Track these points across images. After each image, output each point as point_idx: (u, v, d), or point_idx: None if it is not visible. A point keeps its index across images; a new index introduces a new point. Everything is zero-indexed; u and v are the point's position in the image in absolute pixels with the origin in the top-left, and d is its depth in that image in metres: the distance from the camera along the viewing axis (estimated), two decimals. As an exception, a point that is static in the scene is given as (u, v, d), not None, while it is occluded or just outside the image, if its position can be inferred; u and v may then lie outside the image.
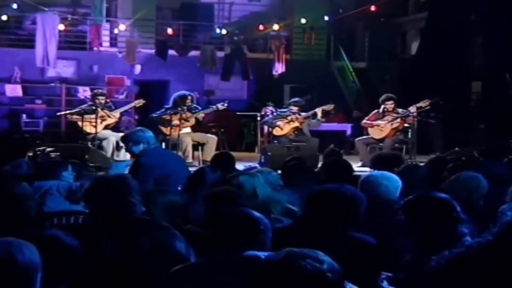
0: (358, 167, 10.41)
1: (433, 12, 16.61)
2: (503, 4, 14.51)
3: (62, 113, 13.53)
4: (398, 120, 11.15)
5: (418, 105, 11.11)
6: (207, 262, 2.98)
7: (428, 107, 11.36)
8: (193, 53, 17.22)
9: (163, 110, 11.16)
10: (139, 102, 11.70)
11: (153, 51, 16.95)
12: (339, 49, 19.18)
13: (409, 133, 10.99)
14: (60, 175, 5.65)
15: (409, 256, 3.49)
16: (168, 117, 10.89)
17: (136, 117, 14.64)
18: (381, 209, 4.30)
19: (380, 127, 11.29)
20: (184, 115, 10.93)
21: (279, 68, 17.34)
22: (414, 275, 3.08)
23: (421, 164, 7.33)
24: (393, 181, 4.67)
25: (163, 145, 11.01)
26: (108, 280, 2.90)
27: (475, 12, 15.87)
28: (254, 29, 18.38)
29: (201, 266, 2.98)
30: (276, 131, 12.07)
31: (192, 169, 9.53)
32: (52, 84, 16.54)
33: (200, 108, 11.51)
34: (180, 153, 10.72)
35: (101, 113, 10.91)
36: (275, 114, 12.66)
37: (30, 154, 8.87)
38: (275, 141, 12.03)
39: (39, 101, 16.37)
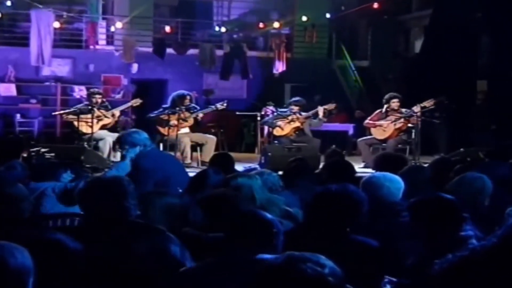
0: (360, 168, 10.42)
1: (437, 9, 16.61)
2: (509, 1, 14.50)
3: (57, 112, 13.51)
4: (402, 120, 11.15)
5: (422, 104, 11.10)
6: (218, 264, 3.00)
7: (432, 107, 11.36)
8: (192, 51, 17.22)
9: (161, 109, 11.16)
10: (136, 102, 11.69)
11: (150, 49, 16.95)
12: (341, 48, 19.18)
13: (413, 134, 10.98)
14: (60, 177, 5.66)
15: (412, 259, 3.50)
16: (166, 117, 10.89)
17: (133, 117, 14.64)
18: (383, 210, 4.31)
19: (383, 127, 11.29)
20: (182, 115, 10.93)
21: (279, 67, 17.35)
22: (418, 280, 3.09)
23: (425, 165, 7.34)
24: (395, 182, 4.67)
25: (161, 145, 11.02)
26: (103, 283, 2.90)
27: (481, 10, 15.86)
28: (254, 26, 18.39)
29: (212, 267, 3.00)
30: (277, 131, 12.08)
31: (190, 170, 9.57)
32: (47, 83, 16.54)
33: (198, 107, 11.51)
34: (178, 154, 10.73)
35: (97, 113, 10.91)
36: (275, 114, 12.66)
37: (25, 155, 8.85)
38: (276, 142, 12.04)
39: (33, 101, 16.37)
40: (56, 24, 15.77)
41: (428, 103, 11.18)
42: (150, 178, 6.11)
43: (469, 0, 15.42)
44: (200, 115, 11.25)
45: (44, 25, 15.29)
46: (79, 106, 11.43)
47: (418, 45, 18.87)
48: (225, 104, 11.68)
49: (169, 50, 16.93)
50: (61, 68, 16.74)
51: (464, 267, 2.30)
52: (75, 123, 10.98)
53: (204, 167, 8.59)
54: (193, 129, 11.24)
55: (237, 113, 15.95)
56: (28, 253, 2.28)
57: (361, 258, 3.34)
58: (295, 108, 11.94)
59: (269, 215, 3.18)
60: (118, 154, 10.25)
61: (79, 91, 16.14)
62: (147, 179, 6.06)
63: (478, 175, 5.03)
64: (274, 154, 10.43)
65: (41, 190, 5.32)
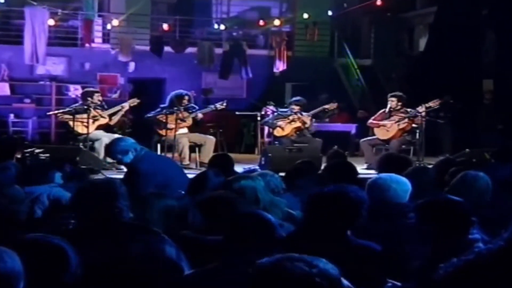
0: (363, 169, 10.43)
1: (442, 6, 16.61)
2: (516, -2, 14.52)
3: (52, 112, 13.50)
4: (406, 120, 11.15)
5: (427, 105, 11.10)
6: (220, 268, 3.01)
7: (437, 107, 11.37)
8: (190, 49, 17.22)
9: (158, 109, 11.17)
10: (134, 102, 11.66)
11: (147, 47, 16.95)
12: (343, 46, 19.18)
13: (417, 134, 10.99)
14: (54, 178, 5.66)
15: (417, 263, 3.50)
16: (163, 119, 10.89)
17: (130, 116, 14.62)
18: (390, 213, 4.30)
19: (387, 128, 11.29)
20: (180, 115, 10.93)
21: (280, 66, 17.35)
22: (423, 284, 3.09)
23: (430, 166, 7.34)
24: (402, 184, 4.65)
25: (158, 146, 11.03)
26: (97, 285, 2.91)
27: (486, 6, 15.86)
28: (254, 24, 18.40)
29: (214, 272, 3.01)
30: (277, 132, 12.09)
31: (189, 171, 9.56)
32: (42, 82, 16.54)
33: (197, 107, 11.51)
34: (176, 155, 10.74)
35: (93, 112, 10.90)
36: (275, 114, 12.67)
37: (18, 156, 8.86)
38: (276, 142, 12.05)
39: (27, 100, 16.37)
40: (51, 22, 15.76)
41: (434, 103, 11.18)
42: (150, 182, 6.12)
43: (474, -3, 15.45)
44: (200, 115, 11.25)
45: (38, 23, 15.28)
46: (75, 105, 11.42)
47: (422, 43, 18.88)
48: (224, 104, 11.68)
49: (167, 48, 16.93)
50: (56, 67, 16.74)
51: (469, 271, 2.30)
52: (71, 123, 10.98)
53: (203, 169, 8.61)
54: (191, 129, 11.24)
55: (237, 113, 15.95)
56: (17, 257, 2.28)
57: (362, 261, 3.34)
58: (296, 108, 11.95)
59: (268, 215, 3.20)
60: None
61: (75, 91, 16.13)
62: (147, 182, 6.07)
63: (481, 174, 5.03)
64: (275, 155, 10.43)
65: (35, 195, 5.30)
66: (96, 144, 10.67)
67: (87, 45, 16.96)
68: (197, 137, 11.14)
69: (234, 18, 19.27)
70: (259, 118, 14.07)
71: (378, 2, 17.31)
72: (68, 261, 2.66)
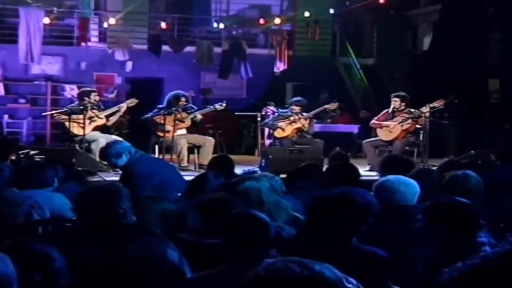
0: (365, 171, 10.43)
1: (446, 4, 16.61)
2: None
3: (48, 113, 13.52)
4: (409, 121, 11.14)
5: (431, 105, 11.09)
6: (222, 272, 3.02)
7: (442, 107, 11.37)
8: (189, 48, 17.23)
9: (156, 110, 11.15)
10: (132, 102, 11.61)
11: (145, 46, 16.95)
12: (345, 45, 19.19)
13: (421, 135, 10.98)
14: (53, 181, 5.63)
15: (422, 266, 3.49)
16: (161, 121, 10.88)
17: (128, 117, 14.61)
18: (397, 216, 4.28)
19: (390, 128, 11.29)
20: (179, 116, 10.93)
21: (281, 65, 17.36)
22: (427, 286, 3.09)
23: (434, 168, 7.34)
24: (411, 186, 4.63)
25: (156, 147, 11.03)
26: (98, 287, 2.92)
27: (492, 5, 15.87)
28: (254, 22, 18.40)
29: (219, 275, 3.01)
30: (278, 133, 12.09)
31: (187, 173, 9.56)
32: (37, 82, 16.54)
33: (196, 108, 11.50)
34: (174, 156, 10.73)
35: (90, 113, 10.89)
36: (276, 114, 12.67)
37: (13, 157, 8.87)
38: (277, 144, 12.05)
39: (22, 101, 16.37)
40: (46, 20, 15.78)
41: (438, 103, 11.17)
42: (146, 184, 6.13)
43: (480, -6, 15.46)
44: (199, 116, 11.23)
45: (33, 21, 15.29)
46: (70, 106, 11.41)
47: (426, 42, 18.88)
48: (223, 104, 11.68)
49: (165, 48, 16.93)
50: (51, 66, 16.75)
51: (475, 276, 2.29)
52: (66, 124, 10.97)
53: (202, 170, 8.61)
54: (190, 130, 11.24)
55: (236, 113, 15.95)
56: (10, 261, 2.28)
57: (367, 268, 3.32)
58: (296, 109, 11.95)
59: (261, 215, 3.19)
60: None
61: (70, 91, 16.14)
62: (143, 185, 6.08)
63: (471, 174, 5.03)
64: (275, 157, 10.43)
65: (34, 200, 5.25)
66: (93, 145, 10.67)
67: (83, 44, 16.96)
68: (196, 138, 11.14)
69: (233, 16, 19.28)
70: (259, 119, 14.06)
71: (381, 0, 17.32)
72: (51, 266, 2.67)
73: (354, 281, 1.95)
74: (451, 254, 3.14)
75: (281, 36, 17.61)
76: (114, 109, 11.32)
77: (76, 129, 10.83)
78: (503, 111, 15.13)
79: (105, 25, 17.18)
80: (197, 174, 7.11)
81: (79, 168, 8.82)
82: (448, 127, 13.15)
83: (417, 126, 11.16)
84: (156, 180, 6.26)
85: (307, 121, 11.92)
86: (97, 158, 10.37)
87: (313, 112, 12.14)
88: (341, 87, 18.21)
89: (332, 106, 12.80)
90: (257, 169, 9.15)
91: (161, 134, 10.93)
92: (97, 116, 10.99)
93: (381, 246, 3.64)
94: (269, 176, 5.49)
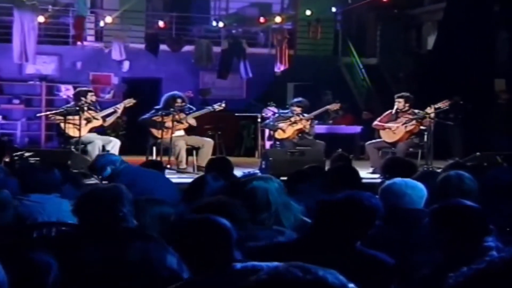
0: (368, 174, 10.44)
1: (451, 2, 16.62)
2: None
3: (43, 114, 13.52)
4: (413, 122, 11.14)
5: (436, 105, 11.09)
6: (205, 280, 3.01)
7: (447, 108, 11.37)
8: (187, 48, 17.24)
9: (153, 111, 11.13)
10: (130, 102, 11.57)
11: (143, 46, 16.96)
12: (347, 44, 19.20)
13: (425, 136, 10.98)
14: (63, 188, 5.60)
15: (427, 270, 3.49)
16: (159, 119, 10.88)
17: (124, 118, 14.61)
18: (404, 220, 4.28)
19: (393, 130, 11.29)
20: (177, 116, 10.93)
21: (281, 65, 17.36)
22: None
23: (438, 170, 7.34)
24: (418, 190, 4.61)
25: (154, 149, 11.02)
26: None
27: (498, 2, 15.88)
28: (254, 21, 18.40)
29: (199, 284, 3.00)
30: (279, 134, 12.08)
31: (186, 175, 9.56)
32: (31, 82, 16.55)
33: (194, 108, 11.50)
34: (172, 158, 10.73)
35: (86, 114, 10.88)
36: (276, 115, 12.67)
37: (7, 159, 8.87)
38: (278, 145, 12.05)
39: (16, 101, 16.38)
40: (41, 19, 15.77)
41: (443, 104, 11.17)
42: None
43: (485, -8, 15.46)
44: (191, 121, 11.17)
45: (27, 20, 15.29)
46: (66, 106, 11.41)
47: (430, 41, 18.90)
48: (223, 105, 11.68)
49: (163, 47, 16.94)
50: (46, 66, 16.76)
51: (481, 281, 2.29)
52: (62, 125, 10.96)
53: (201, 173, 8.61)
54: (188, 131, 11.24)
55: (236, 114, 15.96)
56: (0, 267, 2.29)
57: (370, 273, 3.32)
58: (298, 109, 11.94)
59: (220, 219, 3.16)
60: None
61: (66, 91, 16.15)
62: None
63: (465, 175, 5.03)
64: (276, 159, 10.44)
65: (43, 206, 5.20)
66: (89, 147, 10.66)
67: (79, 43, 16.94)
68: (195, 140, 11.14)
69: (233, 15, 19.29)
70: (259, 120, 14.06)
71: (384, -2, 17.33)
72: (47, 277, 2.68)
73: None
74: (457, 258, 3.13)
75: (282, 35, 17.61)
76: (111, 110, 11.30)
77: (71, 131, 10.82)
78: (510, 112, 15.14)
79: (102, 23, 17.18)
80: (196, 176, 7.12)
81: (75, 171, 8.82)
82: (453, 128, 13.14)
83: (422, 127, 11.15)
84: (137, 190, 6.27)
85: (308, 122, 11.91)
86: (94, 160, 10.37)
87: (314, 113, 12.14)
88: (343, 88, 18.22)
89: (334, 106, 12.80)
90: (257, 171, 9.13)
91: (158, 135, 10.92)
92: (93, 117, 10.99)
93: (387, 250, 3.64)
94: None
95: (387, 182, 4.76)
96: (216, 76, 17.40)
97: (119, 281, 2.91)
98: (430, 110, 11.04)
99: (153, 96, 15.94)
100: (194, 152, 11.01)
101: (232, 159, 7.77)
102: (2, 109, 16.30)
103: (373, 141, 11.80)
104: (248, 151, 15.82)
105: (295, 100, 12.40)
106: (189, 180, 6.44)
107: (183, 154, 10.84)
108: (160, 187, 6.48)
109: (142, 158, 10.14)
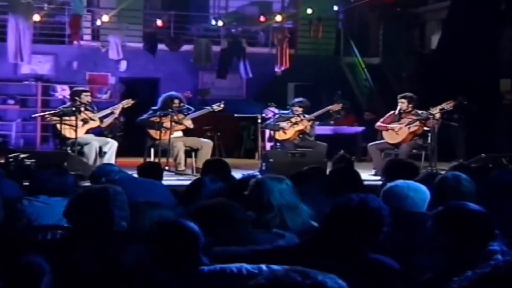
0: (371, 176, 10.44)
1: (456, 0, 16.63)
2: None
3: (38, 114, 13.52)
4: (417, 123, 11.14)
5: (440, 106, 11.08)
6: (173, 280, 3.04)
7: (451, 109, 11.37)
8: (186, 47, 17.25)
9: (150, 112, 11.11)
10: (128, 102, 11.54)
11: (140, 45, 16.98)
12: (349, 43, 19.21)
13: (429, 138, 10.97)
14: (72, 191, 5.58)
15: (431, 274, 3.48)
16: (157, 120, 10.87)
17: (122, 119, 14.62)
18: (406, 224, 4.27)
19: (396, 131, 11.29)
20: (175, 117, 10.92)
21: (282, 65, 17.37)
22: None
23: (442, 172, 7.34)
24: (421, 192, 4.61)
25: (152, 151, 11.02)
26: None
27: (504, 1, 15.88)
28: (254, 20, 18.41)
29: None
30: (279, 135, 12.08)
31: (184, 177, 9.55)
32: (26, 82, 16.56)
33: (193, 109, 11.49)
34: (171, 160, 10.73)
35: (83, 115, 10.87)
36: (277, 116, 12.67)
37: (2, 161, 8.88)
38: (278, 146, 12.05)
39: (11, 102, 16.39)
40: (36, 17, 15.77)
41: (447, 105, 11.15)
42: None
43: (490, -9, 15.47)
44: (188, 123, 11.15)
45: (22, 18, 15.29)
46: (62, 107, 11.40)
47: (434, 40, 18.90)
48: (222, 105, 11.67)
49: (161, 46, 16.95)
50: (42, 65, 16.76)
51: (486, 285, 2.29)
52: (58, 126, 10.95)
53: (200, 175, 8.60)
54: (187, 132, 11.23)
55: (236, 115, 15.98)
56: None
57: (376, 278, 3.31)
58: (299, 110, 11.94)
59: (188, 223, 3.20)
60: (105, 161, 10.28)
61: (62, 91, 16.16)
62: None
63: (463, 176, 5.03)
64: (276, 160, 10.43)
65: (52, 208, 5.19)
66: (85, 149, 10.66)
67: (75, 42, 16.97)
68: (193, 141, 11.13)
69: (233, 13, 19.30)
70: (259, 121, 14.07)
71: (387, -4, 17.35)
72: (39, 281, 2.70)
73: None
74: (461, 262, 3.13)
75: (283, 34, 17.62)
76: (108, 111, 11.29)
77: (68, 132, 10.80)
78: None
79: (98, 22, 17.18)
80: (194, 178, 7.12)
81: (72, 172, 8.82)
82: (458, 129, 13.15)
83: (425, 128, 11.14)
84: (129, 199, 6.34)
85: (310, 123, 11.91)
86: (90, 162, 10.38)
87: (316, 113, 12.14)
88: (345, 88, 18.21)
89: (336, 107, 12.80)
90: (257, 173, 9.13)
91: (157, 136, 10.91)
92: (90, 118, 10.97)
93: (390, 254, 3.63)
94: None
95: (389, 184, 4.75)
96: (216, 76, 17.42)
97: (113, 284, 2.93)
98: (433, 110, 11.02)
99: (151, 96, 15.97)
100: (193, 154, 10.99)
101: (231, 160, 7.79)
102: (-4, 110, 16.33)
103: (376, 142, 11.80)
104: (248, 152, 15.82)
105: (296, 100, 12.40)
106: (188, 182, 6.43)
107: (182, 155, 10.84)
108: (154, 196, 6.49)
109: (140, 160, 10.14)
